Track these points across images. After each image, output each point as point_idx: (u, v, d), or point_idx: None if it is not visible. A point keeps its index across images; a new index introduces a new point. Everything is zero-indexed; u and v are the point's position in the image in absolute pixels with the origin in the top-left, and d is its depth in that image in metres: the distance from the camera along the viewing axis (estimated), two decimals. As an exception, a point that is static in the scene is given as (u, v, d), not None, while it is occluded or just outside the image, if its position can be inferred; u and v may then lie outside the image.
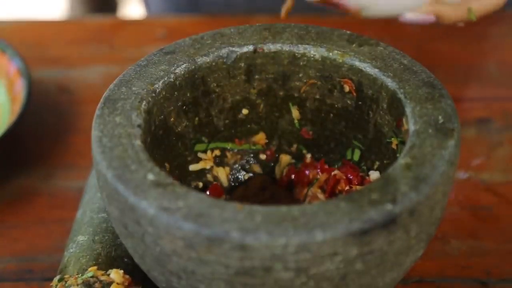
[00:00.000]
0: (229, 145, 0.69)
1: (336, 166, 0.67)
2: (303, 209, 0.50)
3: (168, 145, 0.65)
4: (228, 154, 0.69)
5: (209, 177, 0.68)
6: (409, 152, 0.54)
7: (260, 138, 0.69)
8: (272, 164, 0.70)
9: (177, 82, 0.63)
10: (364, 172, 0.66)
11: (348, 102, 0.66)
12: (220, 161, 0.69)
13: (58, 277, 0.62)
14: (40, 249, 0.72)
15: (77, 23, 1.09)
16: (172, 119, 0.64)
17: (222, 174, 0.68)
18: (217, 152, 0.68)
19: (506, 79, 0.91)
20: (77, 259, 0.63)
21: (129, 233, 0.54)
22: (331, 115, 0.67)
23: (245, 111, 0.68)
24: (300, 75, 0.66)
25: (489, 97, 0.88)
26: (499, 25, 0.98)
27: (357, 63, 0.63)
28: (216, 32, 0.66)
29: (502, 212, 0.74)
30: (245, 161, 0.69)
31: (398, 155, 0.61)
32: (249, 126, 0.69)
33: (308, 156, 0.69)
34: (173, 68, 0.63)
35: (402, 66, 0.62)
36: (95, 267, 0.62)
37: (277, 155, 0.70)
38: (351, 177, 0.65)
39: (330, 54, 0.64)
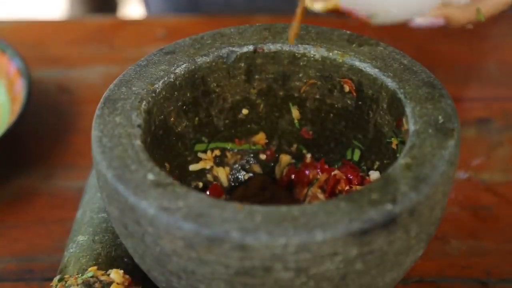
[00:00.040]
0: (229, 145, 0.69)
1: (336, 166, 0.67)
2: (303, 209, 0.50)
3: (168, 145, 0.65)
4: (228, 154, 0.69)
5: (209, 177, 0.68)
6: (409, 152, 0.54)
7: (260, 138, 0.69)
8: (272, 164, 0.70)
9: (177, 82, 0.63)
10: (364, 172, 0.66)
11: (348, 102, 0.66)
12: (220, 161, 0.69)
13: (58, 277, 0.62)
14: (40, 249, 0.72)
15: (77, 23, 1.09)
16: (172, 119, 0.64)
17: (222, 174, 0.68)
18: (217, 152, 0.68)
19: (506, 79, 0.91)
20: (77, 259, 0.63)
21: (129, 233, 0.54)
22: (331, 115, 0.67)
23: (245, 111, 0.68)
24: (300, 75, 0.66)
25: (489, 97, 0.88)
26: (499, 25, 0.98)
27: (357, 63, 0.63)
28: (216, 32, 0.66)
29: (502, 212, 0.74)
30: (245, 161, 0.69)
31: (398, 155, 0.61)
32: (249, 126, 0.69)
33: (308, 156, 0.69)
34: (173, 68, 0.63)
35: (402, 66, 0.62)
36: (95, 267, 0.62)
37: (277, 155, 0.70)
38: (351, 177, 0.65)
39: (330, 54, 0.64)
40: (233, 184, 0.69)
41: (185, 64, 0.63)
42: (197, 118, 0.66)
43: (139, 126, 0.58)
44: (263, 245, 0.49)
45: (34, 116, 0.87)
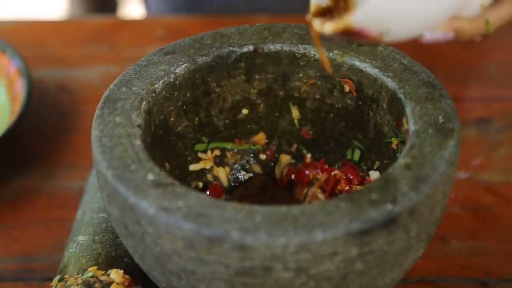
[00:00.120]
0: (229, 145, 0.69)
1: (336, 166, 0.67)
2: (303, 209, 0.50)
3: (168, 145, 0.65)
4: (228, 154, 0.69)
5: (209, 177, 0.68)
6: (409, 152, 0.54)
7: (260, 138, 0.69)
8: (272, 164, 0.70)
9: (177, 82, 0.63)
10: (364, 172, 0.66)
11: (348, 102, 0.66)
12: (220, 161, 0.69)
13: (58, 277, 0.62)
14: (40, 249, 0.72)
15: (77, 23, 1.09)
16: (172, 119, 0.64)
17: (222, 174, 0.68)
18: (217, 152, 0.68)
19: (506, 79, 0.91)
20: (77, 259, 0.63)
21: (129, 233, 0.54)
22: (331, 115, 0.67)
23: (245, 111, 0.68)
24: (300, 75, 0.66)
25: (489, 97, 0.88)
26: (499, 25, 0.98)
27: (357, 63, 0.63)
28: (216, 32, 0.66)
29: (502, 212, 0.74)
30: (245, 161, 0.69)
31: (398, 155, 0.61)
32: (249, 126, 0.69)
33: (308, 156, 0.69)
34: (173, 68, 0.63)
35: (402, 66, 0.62)
36: (95, 267, 0.62)
37: (277, 155, 0.70)
38: (351, 177, 0.65)
39: (330, 54, 0.64)
40: (233, 184, 0.69)
41: (185, 64, 0.63)
42: (197, 118, 0.66)
43: (139, 126, 0.58)
44: (263, 245, 0.49)
45: (34, 116, 0.87)
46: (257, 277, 0.51)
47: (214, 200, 0.51)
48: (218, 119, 0.67)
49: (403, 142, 0.60)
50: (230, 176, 0.69)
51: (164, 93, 0.62)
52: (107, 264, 0.62)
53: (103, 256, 0.63)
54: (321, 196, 0.66)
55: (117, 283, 0.60)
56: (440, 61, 0.93)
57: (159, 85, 0.62)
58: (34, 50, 0.97)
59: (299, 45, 0.65)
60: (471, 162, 0.79)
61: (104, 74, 0.93)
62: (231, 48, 0.65)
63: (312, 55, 0.65)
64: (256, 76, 0.66)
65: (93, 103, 0.62)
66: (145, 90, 0.61)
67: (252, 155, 0.70)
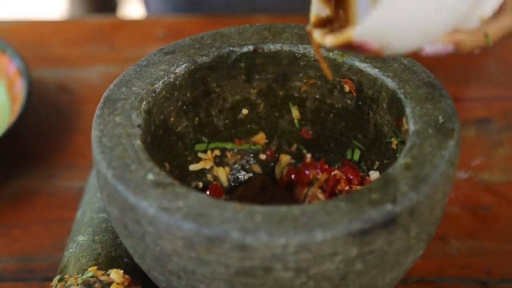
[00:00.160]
0: (229, 145, 0.69)
1: (336, 166, 0.67)
2: (303, 209, 0.50)
3: (168, 145, 0.65)
4: (228, 154, 0.69)
5: (209, 177, 0.68)
6: (409, 152, 0.54)
7: (260, 138, 0.69)
8: (272, 164, 0.70)
9: (177, 82, 0.63)
10: (364, 172, 0.66)
11: (348, 102, 0.66)
12: (220, 161, 0.69)
13: (58, 277, 0.62)
14: (40, 249, 0.72)
15: (77, 23, 1.09)
16: (172, 119, 0.64)
17: (222, 174, 0.68)
18: (217, 152, 0.68)
19: (506, 79, 0.91)
20: (77, 259, 0.63)
21: (129, 233, 0.54)
22: (331, 115, 0.67)
23: (245, 111, 0.68)
24: (300, 75, 0.66)
25: (489, 97, 0.88)
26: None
27: (357, 63, 0.63)
28: (216, 32, 0.66)
29: (502, 212, 0.74)
30: (245, 161, 0.69)
31: (398, 155, 0.61)
32: (249, 126, 0.69)
33: (308, 156, 0.69)
34: (173, 68, 0.63)
35: (402, 66, 0.62)
36: (95, 267, 0.62)
37: (277, 155, 0.70)
38: (351, 177, 0.65)
39: (330, 54, 0.64)
40: (233, 184, 0.69)
41: (185, 64, 0.63)
42: (197, 118, 0.66)
43: (139, 126, 0.58)
44: (263, 245, 0.49)
45: (34, 116, 0.87)
46: (257, 277, 0.51)
47: (214, 200, 0.51)
48: (218, 119, 0.67)
49: (403, 142, 0.60)
50: (230, 176, 0.69)
51: (164, 93, 0.62)
52: (107, 264, 0.62)
53: (103, 256, 0.63)
54: (321, 196, 0.66)
55: (117, 283, 0.60)
56: (440, 61, 0.93)
57: (159, 85, 0.62)
58: (34, 50, 0.97)
59: (299, 45, 0.65)
60: (471, 162, 0.79)
61: (104, 74, 0.94)
62: (231, 48, 0.65)
63: (312, 55, 0.65)
64: (256, 76, 0.66)
65: (93, 103, 0.62)
66: (145, 90, 0.61)
67: (252, 155, 0.70)
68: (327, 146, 0.68)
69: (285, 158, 0.69)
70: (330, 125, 0.67)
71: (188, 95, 0.65)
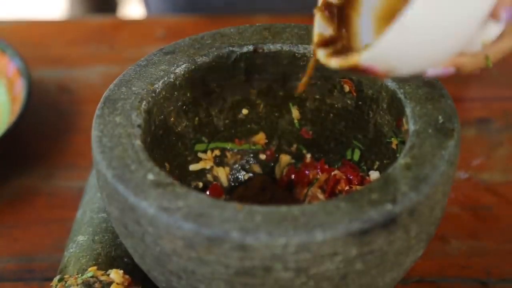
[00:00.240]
0: (229, 145, 0.69)
1: (336, 166, 0.67)
2: (303, 209, 0.50)
3: (168, 145, 0.65)
4: (228, 154, 0.69)
5: (209, 177, 0.68)
6: (409, 152, 0.54)
7: (260, 138, 0.69)
8: (272, 164, 0.70)
9: (177, 82, 0.63)
10: (364, 172, 0.66)
11: (348, 102, 0.66)
12: (220, 161, 0.69)
13: (58, 277, 0.62)
14: (40, 249, 0.72)
15: (77, 23, 1.09)
16: (172, 119, 0.64)
17: (222, 174, 0.68)
18: (217, 152, 0.68)
19: (506, 79, 0.91)
20: (77, 259, 0.63)
21: (129, 233, 0.54)
22: (331, 115, 0.67)
23: (245, 111, 0.68)
24: (300, 75, 0.66)
25: (489, 97, 0.88)
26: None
27: (357, 63, 0.63)
28: (216, 32, 0.66)
29: (502, 212, 0.74)
30: (245, 161, 0.69)
31: (398, 155, 0.61)
32: (249, 126, 0.69)
33: (308, 156, 0.69)
34: (173, 68, 0.63)
35: (402, 66, 0.62)
36: (95, 267, 0.62)
37: (277, 155, 0.70)
38: (351, 177, 0.65)
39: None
40: (233, 184, 0.69)
41: (185, 64, 0.63)
42: (197, 118, 0.66)
43: (139, 126, 0.58)
44: (263, 245, 0.49)
45: (34, 116, 0.87)
46: (257, 277, 0.51)
47: (214, 200, 0.51)
48: (218, 119, 0.67)
49: (403, 142, 0.60)
50: (230, 176, 0.69)
51: (164, 93, 0.62)
52: (107, 264, 0.62)
53: (103, 256, 0.63)
54: (321, 196, 0.66)
55: (117, 283, 0.60)
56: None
57: (159, 85, 0.62)
58: (34, 50, 0.97)
59: (299, 45, 0.65)
60: (471, 162, 0.79)
61: (104, 74, 0.93)
62: (231, 48, 0.65)
63: (312, 55, 0.65)
64: (256, 76, 0.66)
65: (93, 103, 0.62)
66: (145, 90, 0.61)
67: (252, 155, 0.70)
68: (327, 146, 0.68)
69: (285, 158, 0.69)
70: (330, 125, 0.67)
71: (188, 95, 0.65)
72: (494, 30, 0.54)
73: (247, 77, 0.66)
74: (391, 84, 0.61)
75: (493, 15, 0.52)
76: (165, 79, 0.62)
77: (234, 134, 0.69)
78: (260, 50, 0.65)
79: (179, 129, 0.65)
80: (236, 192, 0.69)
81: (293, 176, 0.69)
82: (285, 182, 0.69)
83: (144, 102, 0.60)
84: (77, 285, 0.60)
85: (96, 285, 0.60)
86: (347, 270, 0.51)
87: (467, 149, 0.79)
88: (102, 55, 0.97)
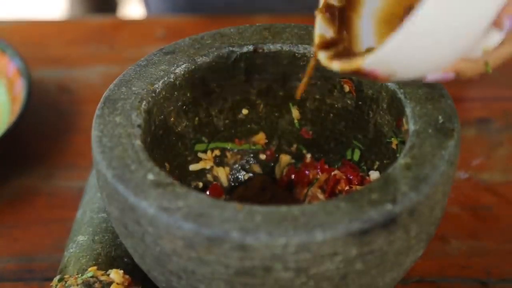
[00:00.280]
0: (229, 145, 0.69)
1: (336, 166, 0.67)
2: (303, 209, 0.50)
3: (168, 145, 0.65)
4: (228, 154, 0.69)
5: (209, 177, 0.68)
6: (409, 152, 0.54)
7: (260, 138, 0.69)
8: (272, 164, 0.70)
9: (177, 82, 0.63)
10: (364, 172, 0.66)
11: (348, 102, 0.66)
12: (220, 161, 0.69)
13: (58, 277, 0.62)
14: (40, 249, 0.72)
15: (77, 23, 1.09)
16: (172, 119, 0.64)
17: (222, 174, 0.68)
18: (217, 152, 0.68)
19: (506, 79, 0.91)
20: (77, 259, 0.63)
21: (129, 233, 0.54)
22: (331, 115, 0.67)
23: (245, 111, 0.68)
24: (300, 75, 0.66)
25: (489, 97, 0.88)
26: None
27: (357, 63, 0.63)
28: (216, 32, 0.66)
29: (502, 212, 0.74)
30: (245, 161, 0.69)
31: (398, 155, 0.61)
32: (249, 126, 0.69)
33: (308, 156, 0.69)
34: (173, 68, 0.63)
35: (402, 66, 0.62)
36: (95, 267, 0.62)
37: (277, 155, 0.70)
38: (351, 177, 0.65)
39: (330, 54, 0.64)
40: (233, 184, 0.69)
41: (185, 64, 0.63)
42: (197, 118, 0.66)
43: (139, 126, 0.58)
44: (263, 245, 0.49)
45: (34, 116, 0.87)
46: (257, 277, 0.51)
47: (214, 200, 0.52)
48: (218, 119, 0.67)
49: (403, 142, 0.60)
50: (230, 176, 0.69)
51: (164, 93, 0.62)
52: (107, 264, 0.62)
53: (103, 256, 0.63)
54: (321, 196, 0.66)
55: (117, 283, 0.60)
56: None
57: (159, 85, 0.62)
58: (34, 50, 0.97)
59: (299, 45, 0.65)
60: (471, 162, 0.79)
61: (104, 74, 0.93)
62: (231, 48, 0.65)
63: (312, 55, 0.65)
64: (256, 76, 0.66)
65: (93, 103, 0.62)
66: (145, 90, 0.61)
67: (252, 155, 0.70)
68: (327, 146, 0.68)
69: (285, 158, 0.69)
70: (330, 125, 0.67)
71: (188, 95, 0.65)
72: (495, 37, 0.54)
73: (247, 77, 0.66)
74: (391, 84, 0.61)
75: (496, 23, 0.52)
76: (165, 79, 0.62)
77: (234, 134, 0.69)
78: (260, 50, 0.65)
79: (179, 129, 0.65)
80: (236, 192, 0.69)
81: (293, 176, 0.69)
82: (285, 182, 0.69)
83: (144, 102, 0.60)
84: (77, 285, 0.60)
85: (96, 285, 0.60)
86: (347, 270, 0.51)
87: (467, 149, 0.79)
88: (102, 55, 0.97)
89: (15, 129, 0.78)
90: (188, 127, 0.66)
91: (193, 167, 0.67)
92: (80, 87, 0.92)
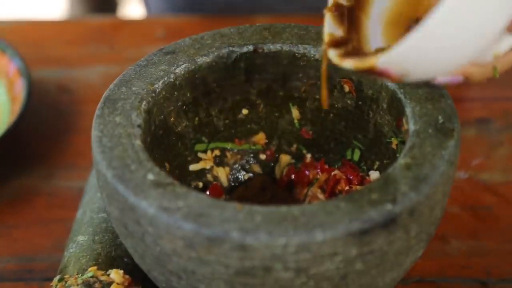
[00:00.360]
0: (229, 145, 0.69)
1: (336, 166, 0.67)
2: (303, 209, 0.50)
3: (168, 145, 0.65)
4: (228, 154, 0.69)
5: (209, 177, 0.68)
6: (409, 152, 0.54)
7: (260, 138, 0.69)
8: (272, 164, 0.70)
9: (177, 82, 0.63)
10: (364, 172, 0.66)
11: (348, 102, 0.66)
12: (220, 161, 0.69)
13: (58, 277, 0.62)
14: (40, 249, 0.72)
15: (77, 23, 1.09)
16: (172, 119, 0.64)
17: (222, 174, 0.68)
18: (217, 152, 0.68)
19: (506, 79, 0.91)
20: (77, 259, 0.63)
21: (129, 233, 0.54)
22: (331, 115, 0.67)
23: (245, 111, 0.68)
24: (300, 75, 0.66)
25: (489, 97, 0.88)
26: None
27: (357, 63, 0.63)
28: (216, 32, 0.66)
29: (502, 212, 0.74)
30: (245, 161, 0.69)
31: (398, 155, 0.61)
32: (249, 126, 0.69)
33: (308, 156, 0.69)
34: (173, 68, 0.63)
35: (402, 66, 0.61)
36: (95, 267, 0.62)
37: (277, 155, 0.70)
38: (351, 177, 0.65)
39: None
40: (233, 184, 0.69)
41: (185, 64, 0.63)
42: (197, 118, 0.66)
43: (139, 126, 0.58)
44: (263, 245, 0.49)
45: (34, 116, 0.87)
46: (257, 277, 0.51)
47: (214, 200, 0.51)
48: (218, 119, 0.67)
49: (403, 142, 0.60)
50: (230, 176, 0.69)
51: (164, 93, 0.62)
52: (107, 264, 0.62)
53: (103, 256, 0.63)
54: (321, 196, 0.66)
55: (117, 283, 0.60)
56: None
57: (159, 85, 0.62)
58: (34, 50, 0.97)
59: (299, 45, 0.65)
60: (471, 162, 0.79)
61: (104, 74, 0.94)
62: (231, 48, 0.65)
63: (312, 55, 0.65)
64: (256, 76, 0.66)
65: (93, 103, 0.62)
66: (145, 90, 0.61)
67: (252, 155, 0.70)
68: (327, 146, 0.68)
69: (285, 158, 0.69)
70: (330, 125, 0.67)
71: (188, 95, 0.65)
72: (507, 43, 0.54)
73: (247, 77, 0.66)
74: (391, 84, 0.61)
75: (509, 28, 0.52)
76: (165, 79, 0.62)
77: (234, 134, 0.69)
78: (260, 50, 0.65)
79: (179, 129, 0.65)
80: (236, 192, 0.69)
81: (293, 176, 0.69)
82: (285, 182, 0.69)
83: (144, 102, 0.60)
84: (77, 285, 0.60)
85: (96, 285, 0.60)
86: (347, 270, 0.51)
87: (467, 149, 0.79)
88: (102, 55, 0.97)
89: (15, 129, 0.78)
90: (188, 127, 0.66)
91: (193, 167, 0.67)
92: (80, 87, 0.92)
